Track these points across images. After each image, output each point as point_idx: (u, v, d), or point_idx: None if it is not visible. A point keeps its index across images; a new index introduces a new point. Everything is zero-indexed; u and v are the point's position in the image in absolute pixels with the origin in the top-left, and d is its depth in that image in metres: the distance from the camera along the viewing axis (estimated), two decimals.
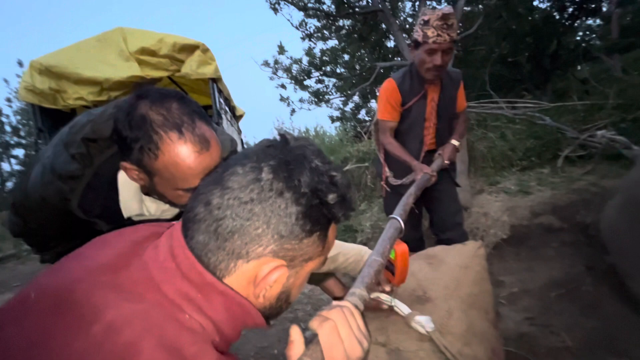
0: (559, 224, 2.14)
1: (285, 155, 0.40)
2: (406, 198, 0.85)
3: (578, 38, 6.42)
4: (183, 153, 0.58)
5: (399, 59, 5.34)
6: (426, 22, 1.36)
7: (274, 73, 6.68)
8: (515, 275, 1.93)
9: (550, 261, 1.93)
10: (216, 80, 2.90)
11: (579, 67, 5.65)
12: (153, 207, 0.75)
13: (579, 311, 1.46)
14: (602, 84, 3.30)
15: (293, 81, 6.77)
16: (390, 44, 6.42)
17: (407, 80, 1.53)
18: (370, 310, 0.80)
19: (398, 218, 0.70)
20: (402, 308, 0.73)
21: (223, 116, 4.30)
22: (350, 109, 7.60)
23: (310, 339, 0.42)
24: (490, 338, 0.84)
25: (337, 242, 0.76)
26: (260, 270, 0.40)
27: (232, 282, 0.40)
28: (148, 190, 0.69)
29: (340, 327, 0.42)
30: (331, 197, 0.40)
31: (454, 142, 1.55)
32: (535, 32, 5.26)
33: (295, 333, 0.42)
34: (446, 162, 1.47)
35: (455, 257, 0.98)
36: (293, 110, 6.91)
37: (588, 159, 2.69)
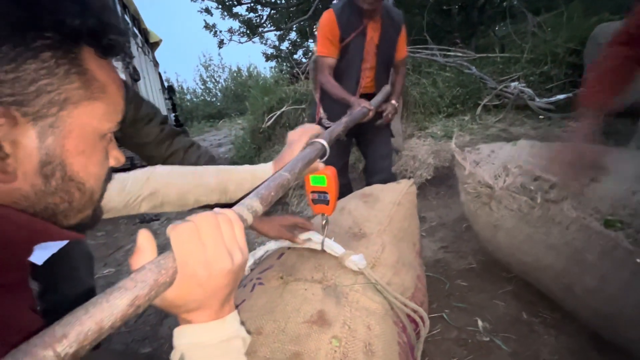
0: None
1: None
2: (336, 125, 0.76)
3: None
4: None
5: None
6: None
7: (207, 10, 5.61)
8: (435, 211, 2.14)
9: None
10: None
11: (498, 27, 6.05)
12: None
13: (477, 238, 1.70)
14: (520, 39, 3.58)
15: (220, 6, 5.82)
16: None
17: (346, 12, 1.40)
18: (307, 250, 0.78)
19: (322, 141, 0.61)
20: (336, 249, 0.73)
21: (131, 40, 3.51)
22: (287, 47, 7.00)
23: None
24: (416, 266, 0.92)
25: (227, 167, 0.66)
26: None
27: None
28: None
29: (203, 231, 0.32)
30: None
31: (394, 102, 1.53)
32: None
33: (144, 238, 0.31)
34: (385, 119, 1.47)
35: (389, 194, 1.02)
36: (221, 42, 6.06)
37: (501, 108, 2.99)
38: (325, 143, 0.62)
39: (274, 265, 0.78)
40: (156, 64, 5.64)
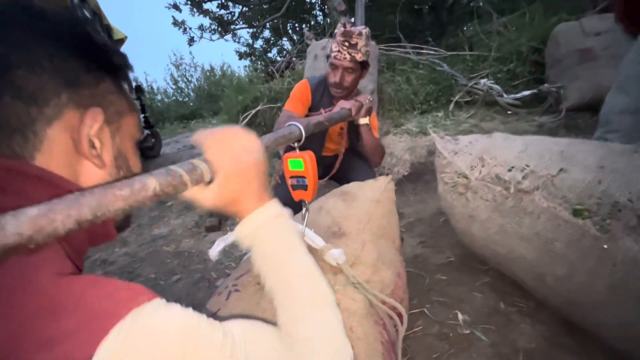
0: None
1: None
2: (314, 117, 0.75)
3: None
4: None
5: None
6: (335, 35, 1.28)
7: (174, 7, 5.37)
8: (412, 207, 2.16)
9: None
10: None
11: (466, 28, 6.33)
12: None
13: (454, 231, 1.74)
14: (487, 38, 3.72)
15: (189, 2, 5.61)
16: None
17: (320, 90, 1.43)
18: None
19: (297, 124, 0.62)
20: (316, 240, 0.71)
21: None
22: (261, 45, 6.88)
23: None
24: (396, 263, 0.91)
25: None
26: (71, 125, 0.36)
27: (45, 160, 0.35)
28: None
29: (224, 135, 0.43)
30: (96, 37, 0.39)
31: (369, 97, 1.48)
32: None
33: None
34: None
35: (368, 192, 1.01)
36: (192, 39, 5.85)
37: (472, 104, 3.08)
38: (301, 126, 0.62)
39: (251, 269, 0.74)
40: None
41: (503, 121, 2.76)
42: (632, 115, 1.38)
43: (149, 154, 4.24)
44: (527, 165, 1.03)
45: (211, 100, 9.09)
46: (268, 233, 0.44)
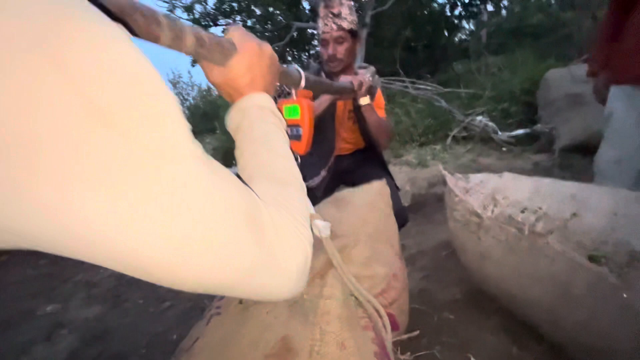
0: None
1: None
2: (318, 78, 0.74)
3: (463, 37, 7.54)
4: None
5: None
6: (319, 12, 1.30)
7: (170, 10, 5.54)
8: (413, 238, 2.15)
9: (439, 225, 2.22)
10: None
11: (455, 64, 6.77)
12: None
13: (462, 268, 1.72)
14: (482, 77, 3.93)
15: (194, 25, 5.78)
16: (306, 4, 6.12)
17: (319, 76, 1.43)
18: None
19: (298, 67, 0.59)
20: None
21: None
22: None
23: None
24: (394, 265, 0.84)
25: None
26: None
27: None
28: None
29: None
30: None
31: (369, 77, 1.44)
32: (433, 22, 5.88)
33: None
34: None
35: (362, 197, 0.97)
36: (194, 61, 5.96)
37: (469, 139, 3.19)
38: (301, 70, 0.59)
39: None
40: None
41: (500, 157, 2.85)
42: (621, 165, 1.44)
43: None
44: (540, 208, 1.04)
45: (206, 119, 9.15)
46: (262, 111, 0.46)
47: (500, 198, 1.13)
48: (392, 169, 2.78)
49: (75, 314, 1.71)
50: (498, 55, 4.78)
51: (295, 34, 5.37)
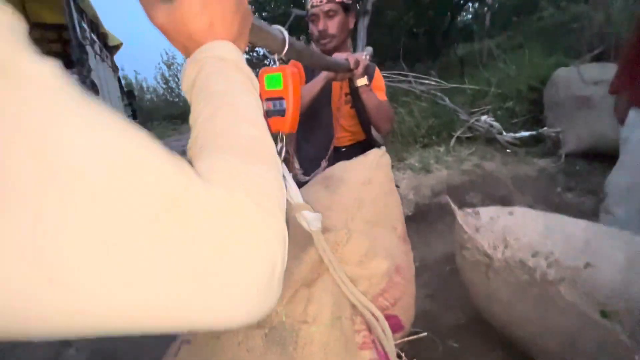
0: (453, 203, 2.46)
1: None
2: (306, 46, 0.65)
3: (466, 19, 7.28)
4: None
5: None
6: None
7: None
8: (416, 249, 2.12)
9: (443, 235, 2.22)
10: None
11: (457, 46, 6.58)
12: None
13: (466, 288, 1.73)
14: (486, 70, 3.81)
15: None
16: None
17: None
18: None
19: (281, 28, 0.50)
20: (292, 192, 0.55)
21: (89, 49, 3.19)
22: (256, 57, 6.84)
23: None
24: (396, 254, 0.73)
25: None
26: None
27: None
28: None
29: None
30: None
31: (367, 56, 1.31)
32: (436, 5, 5.65)
33: None
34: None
35: (356, 172, 0.81)
36: None
37: (473, 140, 3.13)
38: (284, 30, 0.50)
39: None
40: (115, 69, 5.18)
41: (504, 161, 2.81)
42: (632, 192, 1.42)
43: None
44: (552, 252, 1.03)
45: None
46: (224, 64, 0.34)
47: (512, 239, 1.11)
48: (395, 173, 2.75)
49: None
50: (502, 33, 4.60)
51: (293, 20, 5.15)
